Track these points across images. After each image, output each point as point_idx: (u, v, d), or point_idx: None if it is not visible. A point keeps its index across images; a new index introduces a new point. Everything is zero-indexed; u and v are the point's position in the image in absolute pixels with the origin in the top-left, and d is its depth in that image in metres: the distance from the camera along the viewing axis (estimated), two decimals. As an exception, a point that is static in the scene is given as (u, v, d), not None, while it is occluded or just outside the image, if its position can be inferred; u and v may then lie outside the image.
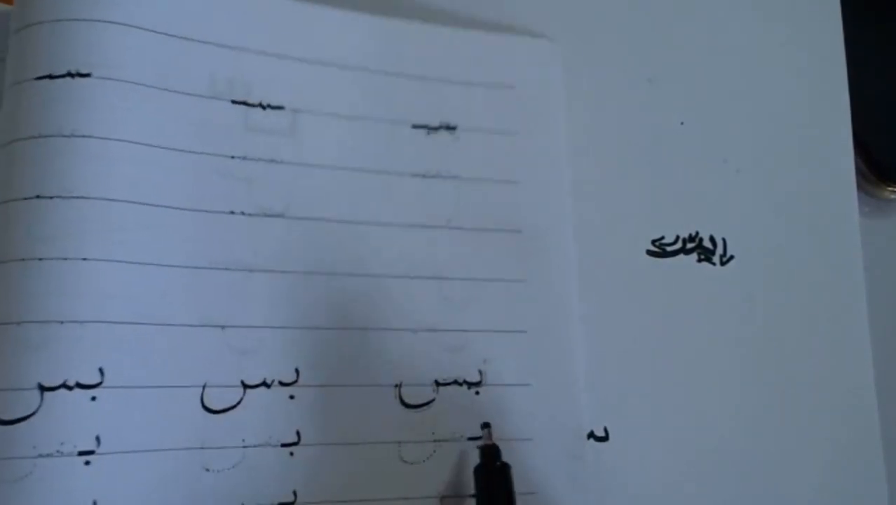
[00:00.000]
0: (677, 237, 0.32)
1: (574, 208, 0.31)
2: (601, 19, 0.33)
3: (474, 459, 0.27)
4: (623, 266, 0.31)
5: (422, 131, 0.29)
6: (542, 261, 0.29)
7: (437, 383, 0.27)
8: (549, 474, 0.28)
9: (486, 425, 0.27)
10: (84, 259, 0.24)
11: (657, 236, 0.32)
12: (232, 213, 0.27)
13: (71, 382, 0.24)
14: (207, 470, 0.25)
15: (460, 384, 0.28)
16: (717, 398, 0.31)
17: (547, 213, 0.30)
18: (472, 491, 0.26)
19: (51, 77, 0.25)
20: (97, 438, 0.24)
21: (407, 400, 0.27)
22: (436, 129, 0.29)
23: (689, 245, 0.32)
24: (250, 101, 0.27)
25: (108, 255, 0.24)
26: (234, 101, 0.27)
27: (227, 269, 0.26)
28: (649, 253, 0.31)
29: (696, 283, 0.32)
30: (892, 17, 0.38)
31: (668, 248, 0.32)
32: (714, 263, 0.32)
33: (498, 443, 0.27)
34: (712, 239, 0.32)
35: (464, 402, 0.27)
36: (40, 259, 0.24)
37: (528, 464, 0.27)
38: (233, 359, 0.26)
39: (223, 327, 0.26)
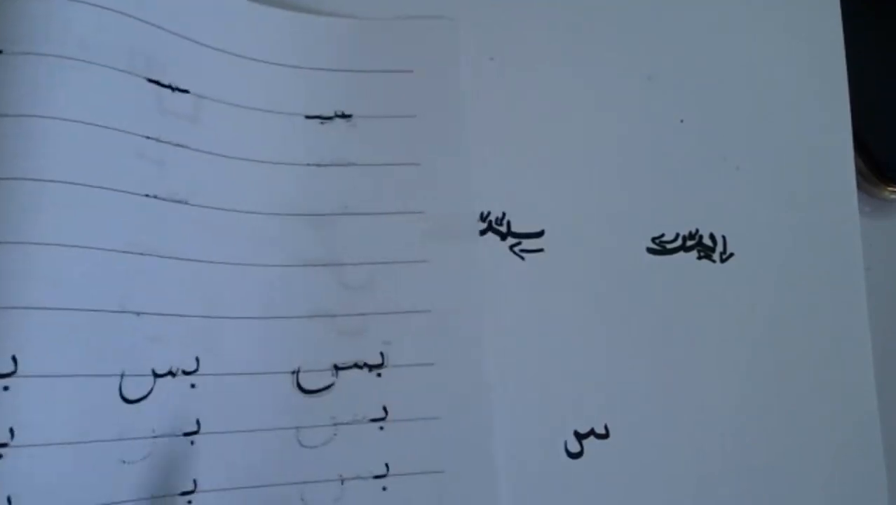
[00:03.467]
0: (677, 235, 0.32)
1: (574, 206, 0.31)
2: (601, 16, 0.33)
3: (381, 439, 0.27)
4: (623, 264, 0.31)
5: (315, 121, 0.30)
6: (445, 240, 0.29)
7: (336, 368, 0.28)
8: (458, 453, 0.28)
9: None
10: (1, 242, 0.24)
11: (657, 234, 0.32)
12: (146, 196, 0.26)
13: None
14: (124, 462, 0.25)
15: (360, 367, 0.28)
16: (718, 396, 0.31)
17: (450, 193, 0.30)
18: (377, 472, 0.27)
19: None
20: (10, 431, 0.23)
21: (305, 385, 0.27)
22: (330, 118, 0.30)
23: (690, 243, 0.32)
24: (163, 80, 0.27)
25: (19, 237, 0.24)
26: (149, 80, 0.27)
27: (141, 253, 0.26)
28: (649, 251, 0.31)
29: (697, 280, 0.32)
30: (892, 17, 0.37)
31: (669, 246, 0.32)
32: (714, 261, 0.32)
33: (406, 422, 0.27)
34: (712, 237, 0.32)
35: (365, 384, 0.28)
36: None
37: (437, 442, 0.28)
38: (146, 347, 0.26)
39: (138, 314, 0.26)
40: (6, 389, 0.23)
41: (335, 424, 0.27)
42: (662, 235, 0.32)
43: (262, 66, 0.29)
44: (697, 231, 0.32)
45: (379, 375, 0.28)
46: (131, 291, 0.26)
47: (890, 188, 0.35)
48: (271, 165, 0.29)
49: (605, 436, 0.30)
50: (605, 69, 0.33)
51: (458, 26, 0.31)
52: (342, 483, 0.27)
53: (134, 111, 0.26)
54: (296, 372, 0.28)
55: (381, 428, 0.27)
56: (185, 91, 0.28)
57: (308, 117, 0.30)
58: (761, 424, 0.31)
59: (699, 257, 0.32)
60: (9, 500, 0.23)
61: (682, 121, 0.33)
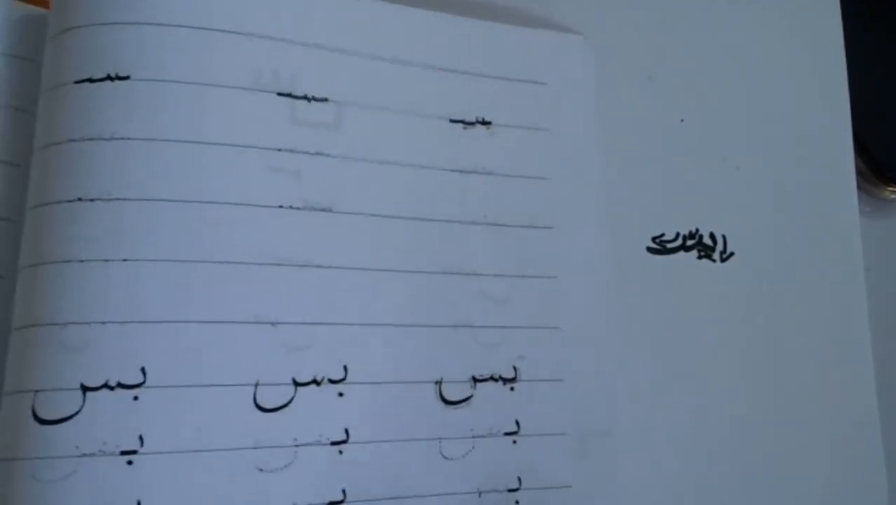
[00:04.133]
0: (677, 234, 0.32)
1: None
2: (601, 15, 0.33)
3: (514, 453, 0.27)
4: (623, 263, 0.31)
5: (459, 126, 0.29)
6: (574, 257, 0.30)
7: (475, 379, 0.28)
8: (582, 468, 0.28)
9: None
10: (125, 260, 0.24)
11: (657, 233, 0.32)
12: (281, 207, 0.26)
13: (113, 382, 0.23)
14: (261, 470, 0.25)
15: (496, 380, 0.28)
16: (718, 395, 0.31)
17: (579, 209, 0.30)
18: (511, 485, 0.27)
19: (90, 80, 0.25)
20: (140, 438, 0.24)
21: (447, 396, 0.27)
22: (472, 123, 0.29)
23: (690, 242, 0.32)
24: (296, 93, 0.27)
25: (151, 255, 0.24)
26: (279, 94, 0.27)
27: (277, 264, 0.26)
28: (649, 250, 0.32)
29: (697, 280, 0.32)
30: (892, 18, 0.39)
31: (669, 246, 0.32)
32: (714, 260, 0.32)
33: (534, 438, 0.27)
34: (712, 236, 0.32)
35: (500, 397, 0.28)
36: (82, 261, 0.24)
37: (563, 458, 0.28)
38: (284, 356, 0.25)
39: (274, 324, 0.25)
40: (136, 399, 0.24)
41: (474, 437, 0.27)
42: (662, 235, 0.32)
43: (404, 67, 0.29)
44: (697, 231, 0.32)
45: (512, 388, 0.28)
46: (266, 301, 0.25)
47: (890, 188, 0.36)
48: (416, 169, 0.28)
49: (607, 435, 0.29)
50: (606, 69, 0.32)
51: (589, 42, 0.31)
52: (479, 496, 0.27)
53: (263, 126, 0.26)
54: (439, 382, 0.27)
55: (514, 442, 0.28)
56: (324, 100, 0.27)
57: (452, 121, 0.29)
58: (762, 424, 0.31)
59: (699, 257, 0.32)
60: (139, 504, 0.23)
61: (682, 120, 0.33)
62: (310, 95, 0.27)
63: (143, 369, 0.24)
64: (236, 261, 0.25)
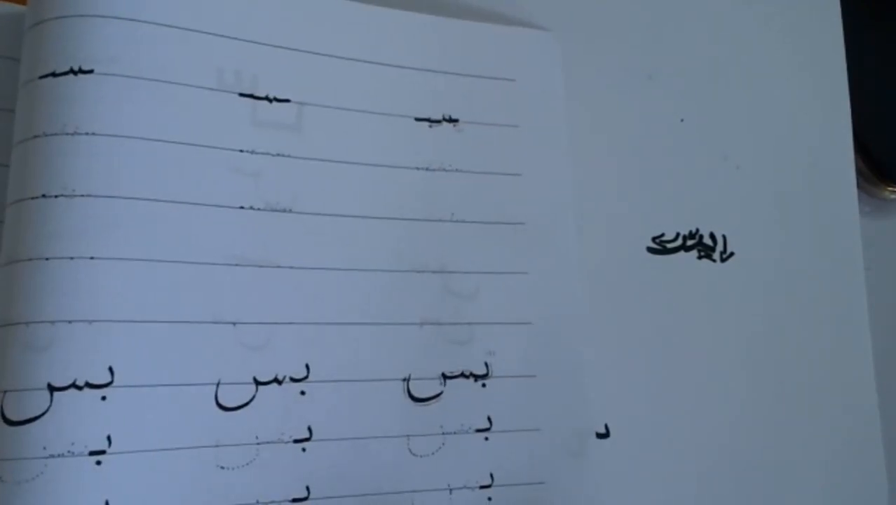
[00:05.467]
0: (677, 234, 0.32)
1: (574, 205, 0.31)
2: (601, 15, 0.33)
3: (486, 449, 0.27)
4: (623, 263, 0.31)
5: (424, 124, 0.29)
6: (545, 253, 0.30)
7: (445, 376, 0.28)
8: (557, 465, 0.28)
9: None
10: (91, 258, 0.24)
11: (657, 233, 0.32)
12: (241, 207, 0.26)
13: (80, 382, 0.24)
14: (222, 468, 0.25)
15: (467, 377, 0.28)
16: (718, 395, 0.31)
17: (550, 205, 0.30)
18: (483, 482, 0.27)
19: (54, 75, 0.25)
20: (108, 438, 0.24)
21: (415, 394, 0.27)
22: (438, 121, 0.29)
23: (690, 242, 0.32)
24: (257, 93, 0.27)
25: (116, 253, 0.24)
26: (241, 94, 0.27)
27: (237, 265, 0.26)
28: (650, 250, 0.32)
29: (697, 280, 0.32)
30: (892, 18, 0.39)
31: (669, 246, 0.32)
32: (714, 260, 0.32)
33: (509, 433, 0.27)
34: (712, 236, 0.32)
35: (471, 394, 0.28)
36: (47, 259, 0.24)
37: (537, 454, 0.28)
38: (245, 355, 0.25)
39: (234, 324, 0.26)
40: (104, 398, 0.24)
41: (444, 434, 0.27)
42: (662, 235, 0.32)
43: (367, 66, 0.29)
44: (698, 230, 0.32)
45: (483, 385, 0.28)
46: (226, 301, 0.26)
47: (890, 188, 0.36)
48: (380, 169, 0.28)
49: (606, 435, 0.30)
50: (605, 69, 0.33)
51: (556, 37, 0.32)
52: (450, 493, 0.27)
53: (225, 126, 0.27)
54: (406, 379, 0.27)
55: (486, 438, 0.27)
56: (286, 100, 0.28)
57: (418, 119, 0.29)
58: (762, 423, 0.31)
59: (699, 257, 0.32)
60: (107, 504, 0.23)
61: (682, 120, 0.33)
62: (271, 96, 0.27)
63: (110, 369, 0.24)
64: (197, 261, 0.25)
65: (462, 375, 0.28)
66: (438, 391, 0.27)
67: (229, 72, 0.27)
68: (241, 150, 0.27)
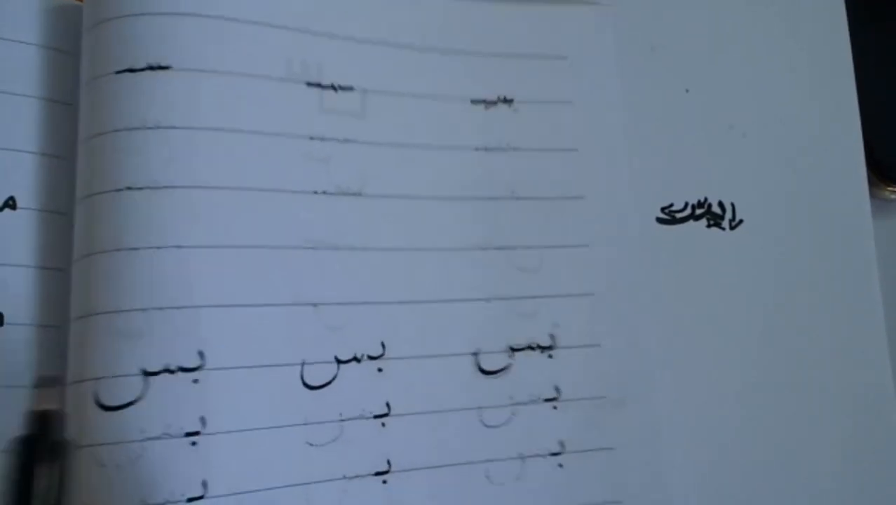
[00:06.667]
0: (686, 204, 0.32)
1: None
2: None
3: (555, 418, 0.28)
4: (633, 234, 0.31)
5: (480, 106, 0.30)
6: (604, 225, 0.30)
7: (512, 349, 0.28)
8: (627, 430, 0.29)
9: (46, 382, 0.26)
10: (177, 246, 0.25)
11: (666, 204, 0.32)
12: (315, 192, 0.27)
13: (173, 367, 0.24)
14: (311, 445, 0.26)
15: (533, 349, 0.29)
16: (731, 363, 0.31)
17: (606, 178, 0.31)
18: (553, 449, 0.28)
19: (131, 70, 0.26)
20: (202, 420, 0.25)
21: (484, 367, 0.28)
22: (493, 103, 0.30)
23: (699, 211, 0.32)
24: (323, 82, 0.28)
25: (201, 241, 0.25)
26: (308, 84, 0.28)
27: (314, 248, 0.27)
28: (659, 220, 0.32)
29: (707, 248, 0.32)
30: (892, 17, 0.38)
31: (678, 215, 0.32)
32: (724, 228, 0.32)
33: (577, 402, 0.28)
34: (721, 204, 0.32)
35: (538, 365, 0.29)
36: (135, 249, 0.25)
37: (607, 421, 0.29)
38: (326, 335, 0.26)
39: (315, 305, 0.27)
40: (195, 381, 0.25)
41: (513, 404, 0.28)
42: (671, 205, 0.32)
43: (423, 54, 0.30)
44: (706, 199, 0.32)
45: (550, 356, 0.29)
46: (306, 284, 0.27)
47: (890, 188, 0.36)
48: (441, 151, 0.29)
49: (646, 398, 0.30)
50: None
51: (609, 12, 0.32)
52: (523, 461, 0.28)
53: (295, 115, 0.27)
54: (476, 354, 0.28)
55: (555, 407, 0.28)
56: (350, 88, 0.28)
57: (473, 102, 0.30)
58: (774, 390, 0.31)
59: (709, 225, 0.32)
60: (204, 484, 0.24)
61: (687, 90, 0.33)
62: (336, 84, 0.28)
63: (200, 353, 0.25)
64: (277, 245, 0.26)
65: (529, 347, 0.28)
66: (507, 364, 0.28)
67: (296, 62, 0.28)
68: (311, 138, 0.28)
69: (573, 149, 0.30)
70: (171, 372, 0.24)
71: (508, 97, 0.30)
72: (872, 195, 0.35)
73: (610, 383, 0.29)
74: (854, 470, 0.31)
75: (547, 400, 0.28)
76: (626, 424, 0.29)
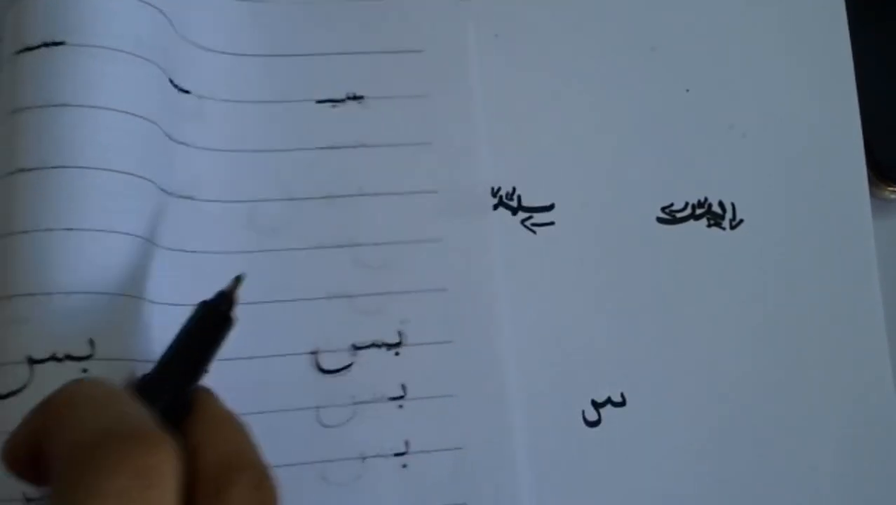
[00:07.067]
0: (686, 203, 0.32)
1: (583, 179, 0.31)
2: None
3: (400, 417, 0.28)
4: (633, 234, 0.31)
5: (326, 105, 0.30)
6: (458, 217, 0.30)
7: (355, 347, 0.28)
8: (476, 429, 0.28)
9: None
10: (68, 229, 0.24)
11: (666, 203, 0.32)
12: (162, 190, 0.27)
13: (60, 354, 0.23)
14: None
15: (379, 346, 0.28)
16: (731, 362, 0.31)
17: (462, 170, 0.30)
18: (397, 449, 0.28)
19: (28, 49, 0.25)
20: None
21: (324, 366, 0.28)
22: (342, 101, 0.30)
23: (699, 211, 0.32)
24: (175, 81, 0.28)
25: (93, 224, 0.24)
26: (169, 79, 0.27)
27: (165, 246, 0.26)
28: (659, 220, 0.32)
29: (707, 248, 0.32)
30: (892, 17, 0.37)
31: (678, 215, 0.32)
32: (724, 228, 0.32)
33: (425, 400, 0.27)
34: (721, 204, 0.32)
35: (384, 363, 0.28)
36: (25, 232, 0.24)
37: (456, 419, 0.28)
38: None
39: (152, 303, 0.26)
40: (85, 371, 0.23)
41: (355, 403, 0.28)
42: (672, 205, 0.32)
43: (263, 59, 0.30)
44: (706, 199, 0.32)
45: (397, 353, 0.28)
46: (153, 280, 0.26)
47: (890, 188, 0.35)
48: (281, 153, 0.29)
49: (622, 404, 0.30)
50: (609, 41, 0.33)
51: (467, 5, 0.31)
52: (363, 461, 0.27)
53: (168, 107, 0.27)
54: (315, 353, 0.28)
55: (401, 406, 0.28)
56: (187, 92, 0.28)
57: (319, 102, 0.30)
58: (774, 389, 0.31)
59: (709, 225, 0.32)
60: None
61: (687, 90, 0.33)
62: (180, 86, 0.28)
63: (91, 341, 0.24)
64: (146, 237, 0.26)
65: (374, 344, 0.28)
66: (349, 362, 0.28)
67: (166, 55, 0.27)
68: (166, 134, 0.27)
69: (427, 142, 0.30)
70: (59, 360, 0.23)
71: (359, 94, 0.30)
72: (872, 195, 0.34)
73: (461, 381, 0.28)
74: (854, 470, 0.31)
75: (392, 399, 0.28)
76: (476, 423, 0.28)
